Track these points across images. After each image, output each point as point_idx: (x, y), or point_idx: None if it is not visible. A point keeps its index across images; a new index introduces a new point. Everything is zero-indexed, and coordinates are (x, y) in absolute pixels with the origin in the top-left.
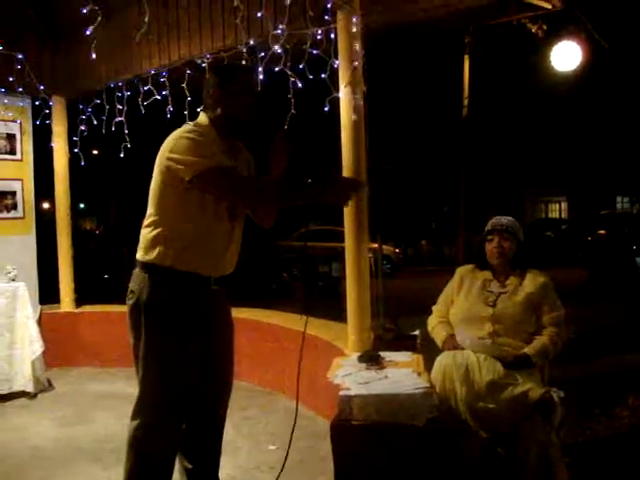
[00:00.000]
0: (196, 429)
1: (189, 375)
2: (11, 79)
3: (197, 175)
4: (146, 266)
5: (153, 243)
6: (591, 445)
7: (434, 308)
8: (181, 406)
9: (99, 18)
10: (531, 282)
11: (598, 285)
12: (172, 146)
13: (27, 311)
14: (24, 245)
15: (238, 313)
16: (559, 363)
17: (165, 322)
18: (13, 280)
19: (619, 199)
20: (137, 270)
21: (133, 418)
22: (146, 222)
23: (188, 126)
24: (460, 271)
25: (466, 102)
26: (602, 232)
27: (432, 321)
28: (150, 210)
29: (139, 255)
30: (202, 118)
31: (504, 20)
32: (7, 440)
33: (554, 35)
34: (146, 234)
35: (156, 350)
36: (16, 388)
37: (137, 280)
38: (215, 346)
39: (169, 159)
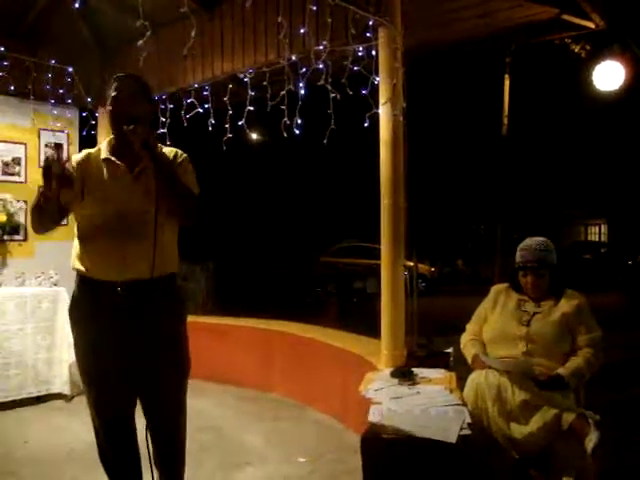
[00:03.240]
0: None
1: (95, 376)
2: (61, 91)
3: None
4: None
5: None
6: (627, 472)
7: (467, 326)
8: (99, 407)
9: (148, 33)
10: (567, 302)
11: (638, 310)
12: None
13: (67, 316)
14: (67, 251)
15: (271, 326)
16: (596, 387)
17: (72, 324)
18: (55, 285)
19: None
20: None
21: None
22: None
23: None
24: (495, 289)
25: (506, 121)
26: None
27: (464, 338)
28: None
29: None
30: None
31: (546, 39)
32: (43, 440)
33: (597, 55)
34: None
35: (75, 349)
36: (54, 390)
37: None
38: (134, 357)
39: None
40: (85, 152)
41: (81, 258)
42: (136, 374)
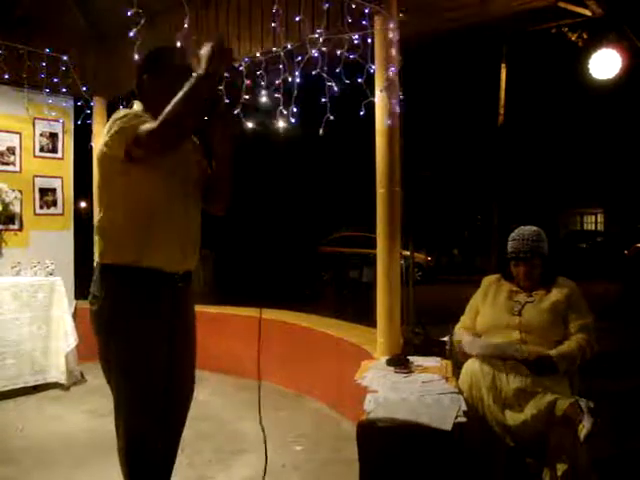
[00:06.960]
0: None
1: (157, 380)
2: (56, 80)
3: (129, 143)
4: (105, 268)
5: (106, 242)
6: (622, 460)
7: (461, 318)
8: (156, 406)
9: (142, 21)
10: (558, 290)
11: (633, 300)
12: (105, 134)
13: (63, 305)
14: (62, 241)
15: (270, 315)
16: (591, 375)
17: (130, 327)
18: (51, 274)
19: None
20: (97, 274)
21: (116, 423)
22: (96, 224)
23: (119, 112)
24: (486, 281)
25: (502, 110)
26: (639, 246)
27: (457, 331)
28: (99, 211)
29: (98, 258)
30: (136, 106)
31: (543, 27)
32: (40, 429)
33: (594, 43)
34: (99, 234)
35: (125, 356)
36: (50, 379)
37: (98, 284)
38: (177, 349)
39: (104, 145)
40: (139, 113)
41: (141, 250)
42: (175, 355)
